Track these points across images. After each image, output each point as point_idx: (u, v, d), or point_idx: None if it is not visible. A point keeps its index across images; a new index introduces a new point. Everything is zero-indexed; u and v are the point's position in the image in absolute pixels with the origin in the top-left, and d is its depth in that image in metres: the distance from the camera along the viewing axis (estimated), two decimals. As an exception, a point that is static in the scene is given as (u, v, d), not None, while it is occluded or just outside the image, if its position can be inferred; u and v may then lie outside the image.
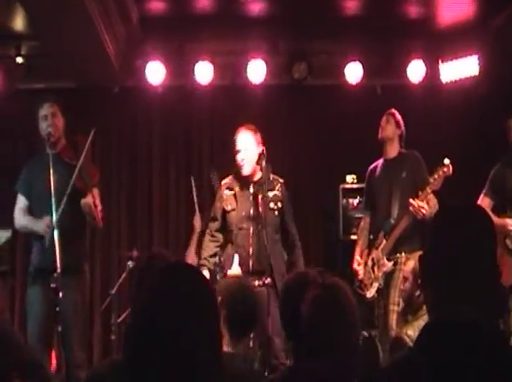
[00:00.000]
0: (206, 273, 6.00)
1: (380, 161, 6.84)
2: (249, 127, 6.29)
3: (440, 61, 8.47)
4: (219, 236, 6.31)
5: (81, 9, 6.24)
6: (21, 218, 6.11)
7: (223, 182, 6.36)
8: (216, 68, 8.41)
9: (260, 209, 6.03)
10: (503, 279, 5.74)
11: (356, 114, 8.48)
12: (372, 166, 6.91)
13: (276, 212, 6.15)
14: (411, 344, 4.05)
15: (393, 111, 6.82)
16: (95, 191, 5.83)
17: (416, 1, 7.70)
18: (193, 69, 8.38)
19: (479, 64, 8.27)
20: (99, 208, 5.78)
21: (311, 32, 8.13)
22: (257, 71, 8.43)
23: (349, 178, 8.40)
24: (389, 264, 6.39)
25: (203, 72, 8.39)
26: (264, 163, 6.10)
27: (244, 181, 6.20)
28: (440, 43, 8.41)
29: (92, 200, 5.68)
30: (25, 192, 6.11)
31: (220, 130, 9.00)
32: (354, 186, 8.39)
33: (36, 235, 5.90)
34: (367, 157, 7.04)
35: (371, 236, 6.74)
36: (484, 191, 6.38)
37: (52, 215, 5.56)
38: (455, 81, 8.45)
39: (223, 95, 8.76)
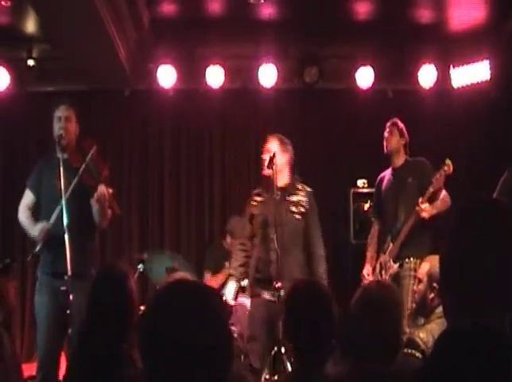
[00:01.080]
0: (233, 284, 6.13)
1: (389, 171, 6.88)
2: (274, 135, 6.35)
3: (451, 66, 8.45)
4: (249, 244, 6.30)
5: (93, 12, 6.25)
6: (23, 214, 6.10)
7: (255, 191, 6.40)
8: (227, 72, 8.42)
9: (281, 214, 6.03)
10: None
11: (367, 119, 8.46)
12: (381, 175, 6.95)
13: (297, 216, 6.12)
14: (423, 346, 4.04)
15: (396, 120, 6.84)
16: (109, 190, 5.81)
17: (428, 6, 7.69)
18: (204, 73, 8.39)
19: (490, 68, 8.25)
20: (108, 206, 5.81)
21: (322, 36, 8.14)
22: (268, 75, 8.44)
23: (360, 182, 8.40)
24: (395, 266, 6.40)
25: (215, 76, 8.40)
26: (288, 170, 6.20)
27: (271, 187, 6.20)
28: (451, 48, 8.40)
29: (105, 191, 5.70)
30: (34, 189, 6.10)
31: (231, 133, 9.01)
32: (365, 190, 8.38)
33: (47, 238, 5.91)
34: (378, 162, 7.03)
35: (381, 241, 6.76)
36: (494, 196, 6.36)
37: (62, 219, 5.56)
38: (467, 86, 8.43)
39: (234, 99, 8.77)
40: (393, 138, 6.76)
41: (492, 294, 1.92)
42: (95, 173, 5.73)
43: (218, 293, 2.09)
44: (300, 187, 6.29)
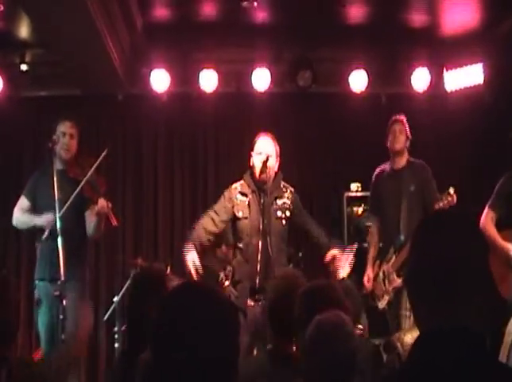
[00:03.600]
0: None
1: (386, 168, 6.83)
2: (270, 134, 6.23)
3: (444, 69, 8.46)
4: (211, 238, 6.17)
5: (86, 16, 6.24)
6: (20, 215, 6.18)
7: (234, 186, 6.19)
8: (221, 76, 8.42)
9: (265, 220, 5.93)
10: (508, 293, 5.71)
11: (361, 123, 8.45)
12: (378, 171, 6.89)
13: (283, 221, 6.03)
14: (401, 350, 4.05)
15: (402, 117, 6.80)
16: (109, 204, 5.89)
17: (421, 10, 7.69)
18: (198, 77, 8.38)
19: (483, 72, 8.26)
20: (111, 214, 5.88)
21: (315, 40, 8.13)
22: (261, 79, 8.43)
23: (353, 186, 8.41)
24: (399, 281, 6.38)
25: (208, 80, 8.39)
26: (271, 172, 6.05)
27: (256, 188, 6.09)
28: (444, 51, 8.41)
29: (105, 204, 5.78)
30: (29, 197, 6.20)
31: (225, 137, 9.01)
32: (359, 194, 8.39)
33: (41, 245, 5.95)
34: (372, 166, 7.03)
35: (381, 244, 6.75)
36: (489, 204, 6.34)
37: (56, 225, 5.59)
38: (460, 89, 8.44)
39: (228, 103, 8.76)
40: (402, 137, 6.72)
41: (459, 296, 1.97)
42: (96, 187, 5.87)
43: (231, 302, 2.08)
44: (284, 188, 6.19)
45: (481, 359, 1.89)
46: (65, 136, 6.14)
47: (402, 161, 6.72)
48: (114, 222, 5.93)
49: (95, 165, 5.87)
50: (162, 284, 3.87)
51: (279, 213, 6.03)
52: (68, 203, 5.72)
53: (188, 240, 6.03)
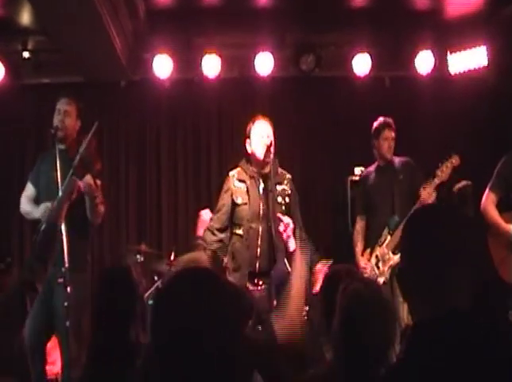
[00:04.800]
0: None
1: (372, 168, 6.92)
2: (266, 118, 6.19)
3: (448, 52, 8.43)
4: (221, 236, 6.15)
5: (88, 3, 6.22)
6: (25, 204, 6.10)
7: (231, 173, 6.16)
8: (224, 61, 8.39)
9: (269, 205, 5.91)
10: (509, 276, 5.72)
11: (364, 106, 8.42)
12: (364, 173, 7.06)
13: (283, 207, 6.02)
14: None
15: (391, 121, 6.85)
16: (97, 181, 5.75)
17: (424, -8, 7.68)
18: (201, 62, 8.36)
19: (487, 54, 8.23)
20: (99, 199, 5.75)
21: (318, 24, 8.11)
22: (264, 63, 8.40)
23: (357, 170, 8.38)
24: (396, 257, 6.40)
25: (211, 65, 8.36)
26: (272, 156, 6.02)
27: (254, 174, 6.07)
28: (448, 34, 8.37)
29: (92, 181, 5.61)
30: (33, 182, 6.12)
31: (228, 122, 9.00)
32: (363, 178, 8.38)
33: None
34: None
35: (371, 235, 6.79)
36: (489, 185, 6.33)
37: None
38: (464, 72, 8.41)
39: (231, 88, 8.74)
40: (393, 143, 6.80)
41: (450, 285, 2.09)
42: (89, 164, 5.66)
43: (237, 287, 2.05)
44: (282, 174, 6.17)
45: (477, 337, 1.93)
46: (60, 113, 6.00)
47: (388, 159, 6.82)
48: (100, 211, 5.81)
49: (87, 139, 5.64)
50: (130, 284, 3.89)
51: (279, 199, 6.01)
52: (65, 183, 5.49)
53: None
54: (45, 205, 5.71)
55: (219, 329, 1.98)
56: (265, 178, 5.94)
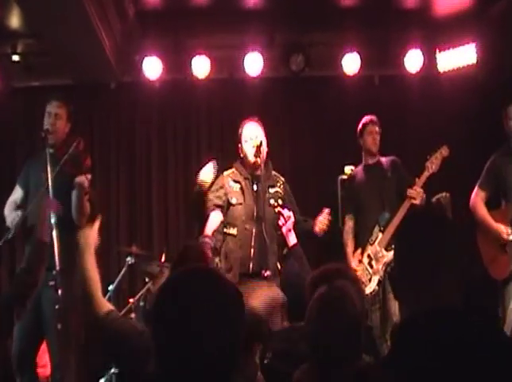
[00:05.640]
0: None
1: (360, 168, 6.95)
2: (256, 119, 6.23)
3: (437, 50, 8.44)
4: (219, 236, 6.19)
5: (77, 4, 6.22)
6: (7, 208, 6.07)
7: (226, 173, 6.22)
8: (213, 62, 8.39)
9: (261, 208, 5.95)
10: (499, 274, 5.77)
11: (354, 105, 8.42)
12: (351, 173, 7.14)
13: (276, 210, 6.07)
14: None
15: (374, 118, 6.90)
16: (88, 176, 5.74)
17: (413, -9, 7.69)
18: (190, 63, 8.35)
19: (476, 52, 8.25)
20: (88, 197, 5.76)
21: (307, 23, 8.11)
22: (254, 64, 8.40)
23: (347, 169, 8.38)
24: (390, 254, 6.40)
25: (201, 66, 8.36)
26: (264, 157, 6.05)
27: (248, 176, 6.10)
28: (436, 32, 8.39)
29: (84, 180, 5.64)
30: (22, 185, 6.10)
31: (218, 123, 9.00)
32: (353, 177, 8.38)
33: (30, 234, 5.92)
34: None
35: (361, 235, 6.82)
36: (479, 183, 6.37)
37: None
38: (453, 70, 8.42)
39: (221, 89, 8.73)
40: (378, 137, 6.84)
41: (441, 282, 2.26)
42: (78, 163, 5.66)
43: (234, 286, 2.06)
44: (275, 177, 6.21)
45: (466, 334, 1.94)
46: (50, 116, 5.98)
47: (375, 158, 6.86)
48: (91, 197, 5.83)
49: (74, 144, 5.65)
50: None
51: (272, 201, 6.04)
52: (50, 182, 5.48)
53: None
54: (16, 214, 5.70)
55: (219, 329, 1.98)
56: (258, 181, 5.98)
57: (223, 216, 6.13)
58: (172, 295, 2.07)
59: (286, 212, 5.86)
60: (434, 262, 2.26)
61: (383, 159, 6.88)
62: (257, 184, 6.02)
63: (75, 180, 5.63)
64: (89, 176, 5.71)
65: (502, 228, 6.12)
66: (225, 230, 6.10)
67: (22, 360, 5.76)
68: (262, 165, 5.99)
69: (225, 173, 6.20)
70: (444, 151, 6.38)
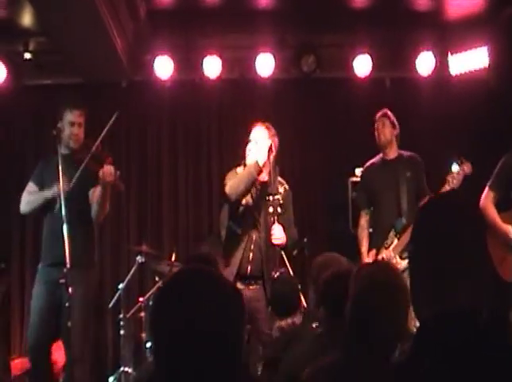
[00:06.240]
0: None
1: (376, 161, 6.89)
2: (264, 122, 6.23)
3: (449, 53, 8.42)
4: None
5: (89, 4, 6.23)
6: (27, 197, 6.09)
7: (239, 169, 6.22)
8: (224, 62, 8.40)
9: (263, 214, 6.00)
10: (508, 275, 5.72)
11: (365, 107, 8.39)
12: (367, 166, 6.99)
13: (274, 217, 6.07)
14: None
15: (386, 111, 6.85)
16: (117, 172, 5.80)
17: (425, -7, 7.67)
18: (201, 63, 8.36)
19: (488, 55, 8.20)
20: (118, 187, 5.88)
21: (319, 24, 8.11)
22: (265, 64, 8.41)
23: (358, 171, 8.36)
24: (404, 262, 6.35)
25: (212, 66, 8.37)
26: (272, 159, 6.05)
27: (260, 184, 6.12)
28: (449, 34, 8.38)
29: (112, 169, 5.69)
30: (36, 182, 6.13)
31: (229, 123, 9.00)
32: (364, 179, 8.36)
33: (47, 229, 5.93)
34: (376, 151, 7.02)
35: (375, 234, 6.77)
36: (489, 184, 6.32)
37: (61, 214, 5.52)
38: (465, 73, 8.40)
39: (232, 89, 8.74)
40: (386, 129, 6.78)
41: (459, 282, 2.07)
42: (100, 158, 5.75)
43: (234, 286, 2.05)
44: (280, 185, 6.20)
45: (480, 337, 1.93)
46: (74, 125, 6.04)
47: (393, 152, 6.81)
48: (122, 187, 5.92)
49: (105, 129, 5.79)
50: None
51: (270, 209, 6.04)
52: (74, 179, 5.64)
53: None
54: (56, 186, 5.71)
55: (219, 329, 1.98)
56: (264, 187, 6.01)
57: (234, 211, 6.14)
58: (172, 295, 2.07)
59: (276, 236, 5.93)
60: (445, 261, 2.09)
61: (404, 154, 6.80)
62: (261, 190, 6.05)
63: (101, 171, 5.66)
64: (118, 171, 5.76)
65: (510, 230, 6.10)
66: (231, 227, 6.12)
67: (36, 356, 5.80)
68: (269, 171, 6.01)
69: (238, 169, 6.22)
70: (467, 168, 6.33)
